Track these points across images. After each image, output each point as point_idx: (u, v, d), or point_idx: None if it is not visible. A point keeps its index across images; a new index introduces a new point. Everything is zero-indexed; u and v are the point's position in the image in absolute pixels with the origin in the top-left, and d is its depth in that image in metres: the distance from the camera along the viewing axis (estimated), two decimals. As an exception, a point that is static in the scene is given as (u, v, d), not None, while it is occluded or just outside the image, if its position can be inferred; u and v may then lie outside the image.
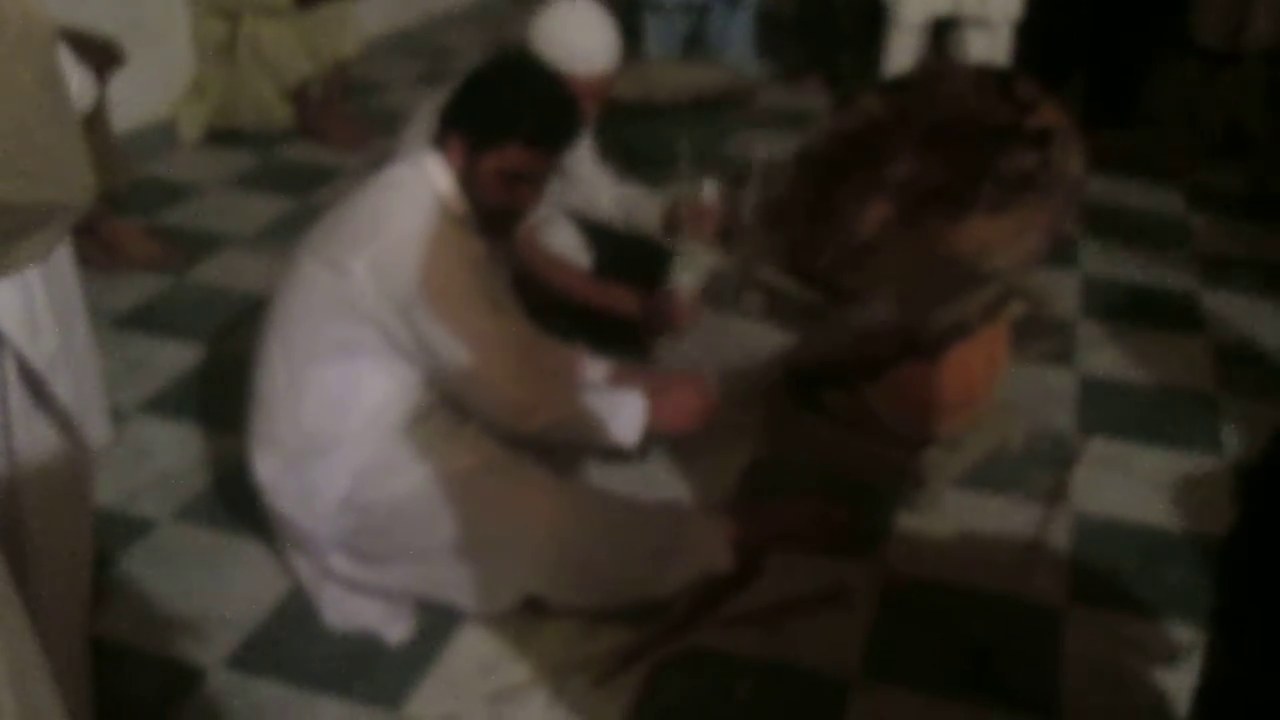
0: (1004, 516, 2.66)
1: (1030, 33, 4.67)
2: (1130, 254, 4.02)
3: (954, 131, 3.32)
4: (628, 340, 2.97)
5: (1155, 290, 3.77)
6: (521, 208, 2.26)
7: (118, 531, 2.52)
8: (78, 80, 1.84)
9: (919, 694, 2.19)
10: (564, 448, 2.50)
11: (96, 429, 1.92)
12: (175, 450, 2.82)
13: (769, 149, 4.06)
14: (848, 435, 2.76)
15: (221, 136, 4.74)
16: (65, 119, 0.82)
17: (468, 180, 2.19)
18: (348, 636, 2.28)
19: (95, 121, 3.42)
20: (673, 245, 3.13)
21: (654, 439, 2.41)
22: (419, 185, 2.20)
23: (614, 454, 2.51)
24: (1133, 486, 2.78)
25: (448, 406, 2.28)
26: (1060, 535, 2.61)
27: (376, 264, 2.11)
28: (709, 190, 3.07)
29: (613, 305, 2.91)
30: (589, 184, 3.07)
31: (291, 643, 2.28)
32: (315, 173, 4.49)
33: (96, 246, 3.61)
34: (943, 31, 4.76)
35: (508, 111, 2.17)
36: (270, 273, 3.22)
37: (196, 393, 3.06)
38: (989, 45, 4.63)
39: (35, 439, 1.76)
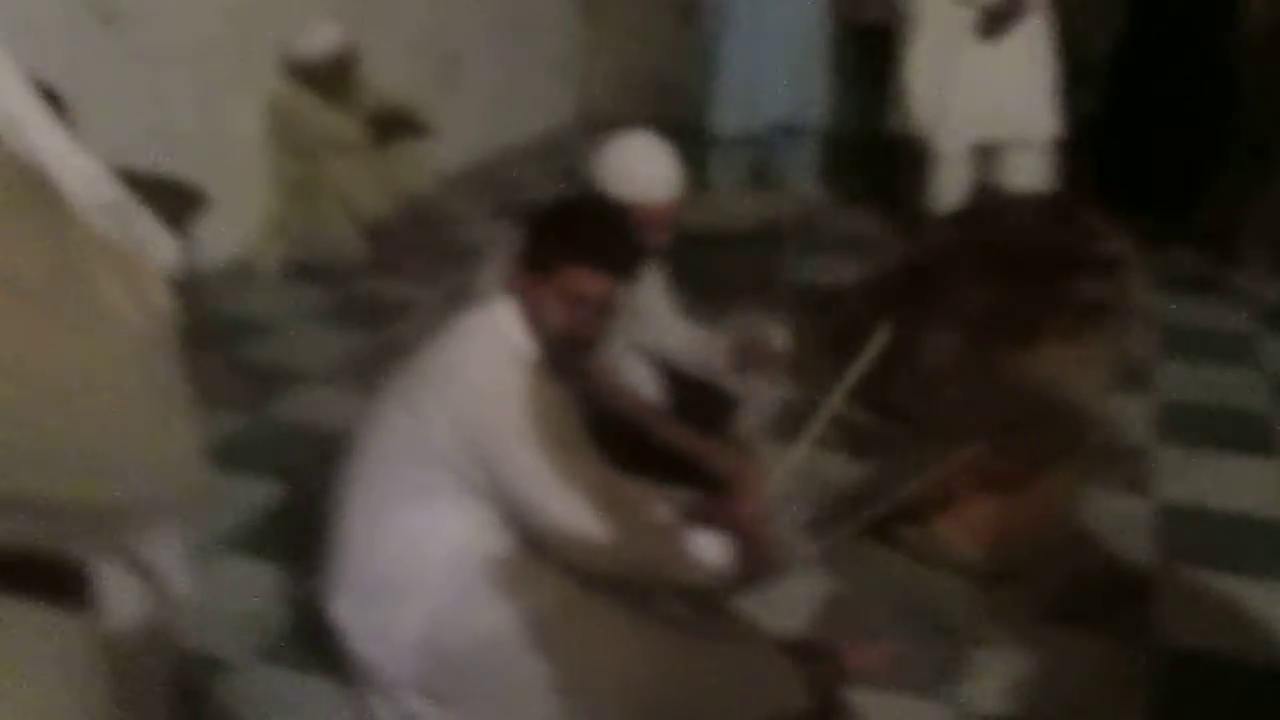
0: (1083, 652, 2.62)
1: (1107, 160, 4.70)
2: (1204, 374, 3.99)
3: (1021, 261, 3.35)
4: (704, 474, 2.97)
5: (1230, 411, 3.73)
6: (588, 335, 2.28)
7: (199, 672, 2.55)
8: (165, 251, 1.91)
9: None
10: (643, 585, 2.50)
11: (177, 580, 1.95)
12: (255, 589, 2.86)
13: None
14: (921, 569, 2.74)
15: (299, 271, 4.86)
16: (174, 422, 0.81)
17: (534, 312, 2.24)
18: (425, 779, 2.28)
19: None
20: (739, 387, 3.14)
21: (732, 580, 2.41)
22: (492, 332, 2.25)
23: (693, 591, 2.50)
24: (1219, 617, 2.73)
25: (524, 549, 2.30)
26: (1145, 669, 2.56)
27: (452, 408, 2.16)
28: (771, 332, 3.08)
29: (688, 451, 2.91)
30: (659, 323, 3.11)
31: (370, 786, 2.28)
32: (390, 307, 4.58)
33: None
34: (985, 156, 4.79)
35: (562, 235, 2.24)
36: (346, 408, 3.29)
37: (275, 531, 3.11)
38: (1032, 166, 4.66)
39: (115, 584, 1.79)
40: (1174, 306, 4.48)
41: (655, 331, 3.11)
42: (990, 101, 4.61)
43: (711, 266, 4.36)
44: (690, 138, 4.77)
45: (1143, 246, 3.83)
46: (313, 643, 2.59)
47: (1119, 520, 3.11)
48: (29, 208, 0.73)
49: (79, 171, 1.62)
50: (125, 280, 0.78)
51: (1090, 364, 3.21)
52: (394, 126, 4.86)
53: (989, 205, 3.80)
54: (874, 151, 5.77)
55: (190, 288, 3.68)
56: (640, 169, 2.80)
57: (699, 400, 3.13)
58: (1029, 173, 4.68)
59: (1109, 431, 3.36)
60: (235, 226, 4.69)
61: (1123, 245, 3.38)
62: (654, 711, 2.25)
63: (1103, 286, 3.25)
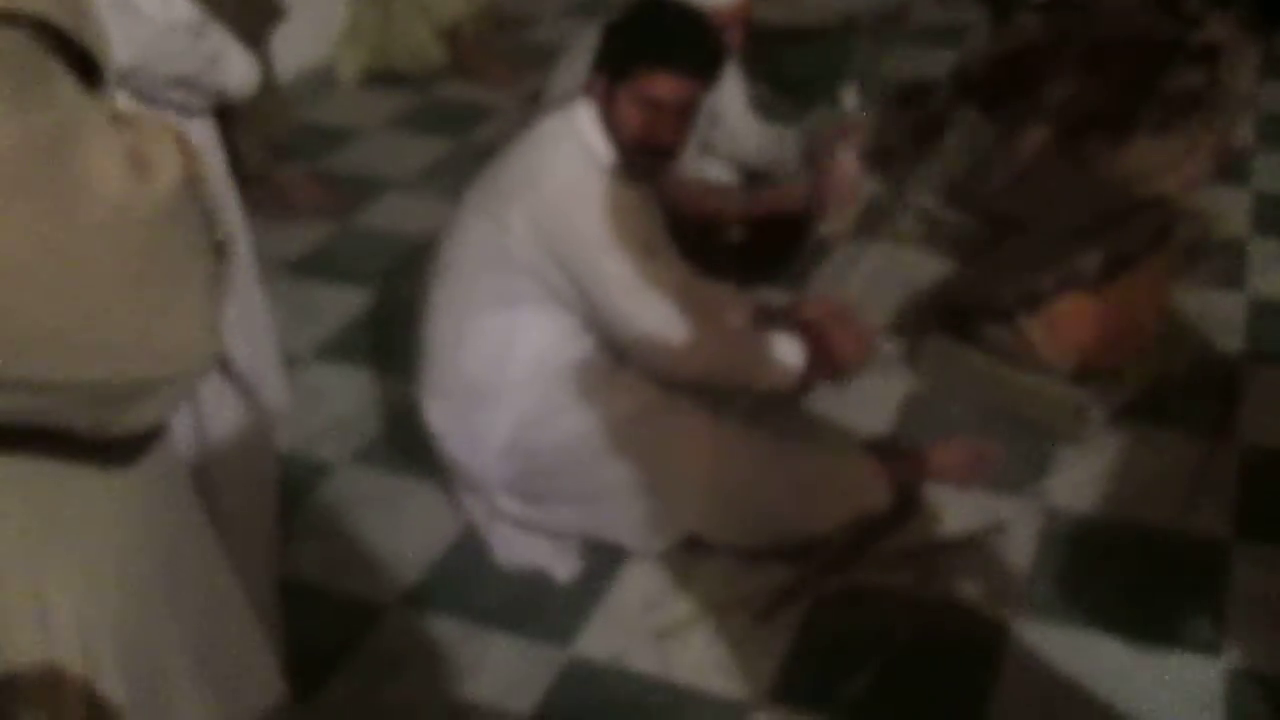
0: (1168, 450, 2.62)
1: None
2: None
3: (1116, 50, 3.23)
4: (782, 274, 2.97)
5: (1333, 204, 3.61)
6: (665, 141, 2.24)
7: (300, 474, 2.64)
8: (243, 68, 1.91)
9: (1080, 631, 2.20)
10: (722, 389, 2.54)
11: (274, 392, 2.01)
12: (349, 394, 2.93)
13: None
14: (1007, 368, 2.73)
15: (378, 78, 4.82)
16: (177, 298, 0.76)
17: (611, 117, 2.22)
18: (518, 574, 2.38)
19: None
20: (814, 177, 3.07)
21: (812, 381, 2.43)
22: (571, 136, 2.23)
23: (771, 395, 2.53)
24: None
25: (606, 352, 2.33)
26: (1227, 469, 2.55)
27: (533, 215, 2.17)
28: (850, 101, 2.95)
29: (775, 207, 2.88)
30: (738, 127, 3.06)
31: (465, 580, 2.38)
32: (471, 111, 4.55)
33: (268, 195, 3.73)
34: None
35: (639, 39, 2.21)
36: (431, 214, 3.31)
37: (367, 337, 3.17)
38: None
39: (220, 403, 1.87)
40: (1274, 94, 4.31)
41: (733, 136, 3.06)
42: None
43: (791, 63, 4.26)
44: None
45: (1245, 32, 3.65)
46: (405, 444, 2.67)
47: (1211, 315, 3.06)
48: (6, 83, 0.69)
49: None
50: (128, 152, 0.74)
51: (1187, 157, 3.11)
52: (469, -74, 4.75)
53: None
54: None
55: (271, 99, 3.69)
56: None
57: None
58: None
59: (1203, 225, 3.28)
60: (314, 35, 4.65)
61: (1224, 32, 3.24)
62: (735, 512, 2.31)
63: (1201, 75, 3.13)
